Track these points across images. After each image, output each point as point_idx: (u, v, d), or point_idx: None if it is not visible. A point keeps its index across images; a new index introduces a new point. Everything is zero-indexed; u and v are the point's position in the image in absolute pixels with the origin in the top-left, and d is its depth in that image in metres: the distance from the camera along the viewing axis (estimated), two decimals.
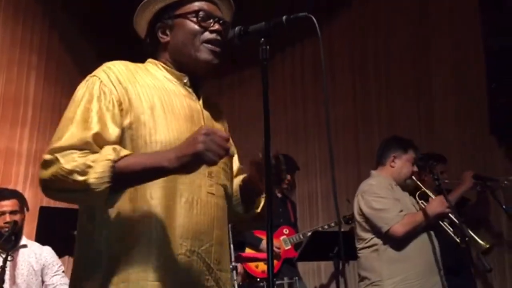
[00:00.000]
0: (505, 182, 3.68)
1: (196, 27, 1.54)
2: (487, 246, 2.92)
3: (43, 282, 3.47)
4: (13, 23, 4.90)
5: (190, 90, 1.55)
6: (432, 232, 3.08)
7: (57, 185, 1.31)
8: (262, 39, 1.56)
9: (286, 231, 4.31)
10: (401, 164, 3.17)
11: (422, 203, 3.16)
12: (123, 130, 1.41)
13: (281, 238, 4.28)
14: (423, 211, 3.01)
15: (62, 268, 3.57)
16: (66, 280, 3.51)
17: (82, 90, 1.44)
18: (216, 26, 1.55)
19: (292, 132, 5.52)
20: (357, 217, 3.22)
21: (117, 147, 1.34)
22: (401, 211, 3.00)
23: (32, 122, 4.99)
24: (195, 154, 1.27)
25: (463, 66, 4.77)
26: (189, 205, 1.40)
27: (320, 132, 5.24)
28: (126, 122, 1.41)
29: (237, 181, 1.68)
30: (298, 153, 5.06)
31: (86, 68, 5.43)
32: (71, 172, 1.28)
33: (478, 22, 4.60)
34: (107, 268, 1.35)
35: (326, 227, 4.45)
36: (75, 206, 1.49)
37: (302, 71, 5.58)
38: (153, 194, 1.38)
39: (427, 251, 3.02)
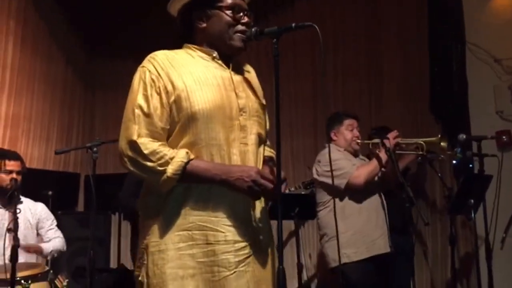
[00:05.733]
0: (442, 156, 4.29)
1: (231, 20, 1.86)
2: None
3: (38, 235, 3.81)
4: None
5: (220, 62, 1.88)
6: (382, 195, 3.53)
7: (134, 166, 1.74)
8: (275, 39, 2.02)
9: None
10: (340, 135, 3.61)
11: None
12: (171, 107, 1.78)
13: None
14: (376, 156, 3.45)
15: (55, 222, 3.91)
16: (60, 233, 3.87)
17: (137, 79, 1.80)
18: (246, 19, 1.88)
19: None
20: (316, 183, 3.67)
21: (188, 152, 1.73)
22: (354, 164, 3.44)
23: (10, 87, 5.02)
24: (241, 190, 1.71)
25: (410, 51, 5.37)
26: (227, 155, 1.78)
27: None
28: (172, 100, 1.77)
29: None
30: None
31: (60, 36, 5.65)
32: (153, 162, 1.70)
33: (425, 15, 5.21)
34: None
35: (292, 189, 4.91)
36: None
37: (267, 45, 5.85)
38: (203, 153, 1.78)
39: (376, 209, 3.44)
